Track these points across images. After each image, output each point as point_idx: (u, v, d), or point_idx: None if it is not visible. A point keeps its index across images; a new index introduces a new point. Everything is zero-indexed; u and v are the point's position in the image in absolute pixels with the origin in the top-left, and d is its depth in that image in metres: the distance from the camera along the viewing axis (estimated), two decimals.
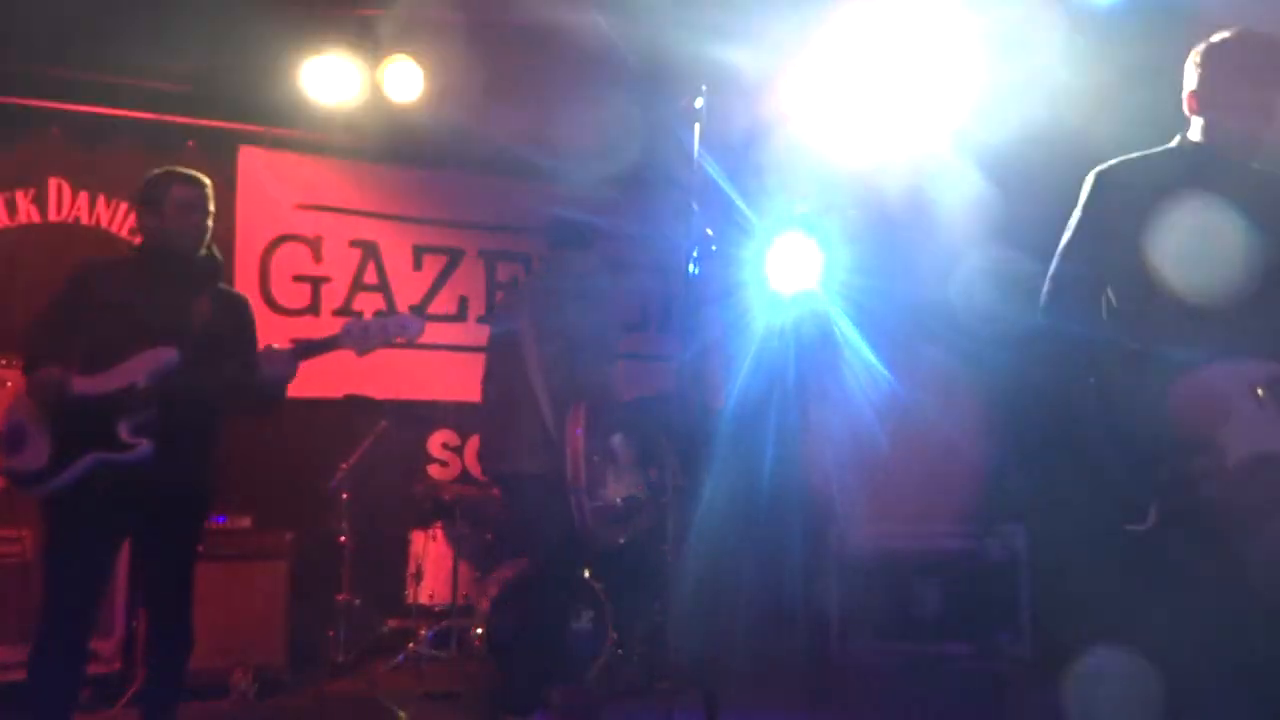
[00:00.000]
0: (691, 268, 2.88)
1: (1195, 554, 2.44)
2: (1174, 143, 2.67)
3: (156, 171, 3.35)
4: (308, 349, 3.29)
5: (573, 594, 4.57)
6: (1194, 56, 2.65)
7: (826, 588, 5.41)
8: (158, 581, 3.28)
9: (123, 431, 3.10)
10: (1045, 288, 2.73)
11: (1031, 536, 5.27)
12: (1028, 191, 4.54)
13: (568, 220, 4.14)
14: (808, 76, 5.18)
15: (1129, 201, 2.58)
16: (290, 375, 3.25)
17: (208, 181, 3.36)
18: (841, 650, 5.29)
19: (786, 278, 6.15)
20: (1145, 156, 2.67)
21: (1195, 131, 2.65)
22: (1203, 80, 2.62)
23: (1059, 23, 4.53)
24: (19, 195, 5.29)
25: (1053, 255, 2.72)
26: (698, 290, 2.95)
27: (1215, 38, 2.63)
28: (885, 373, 5.89)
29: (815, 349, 6.16)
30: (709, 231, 2.94)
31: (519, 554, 4.93)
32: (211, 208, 3.35)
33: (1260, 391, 2.41)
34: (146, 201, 3.30)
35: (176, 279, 3.29)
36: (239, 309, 3.46)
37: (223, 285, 3.47)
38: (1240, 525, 2.39)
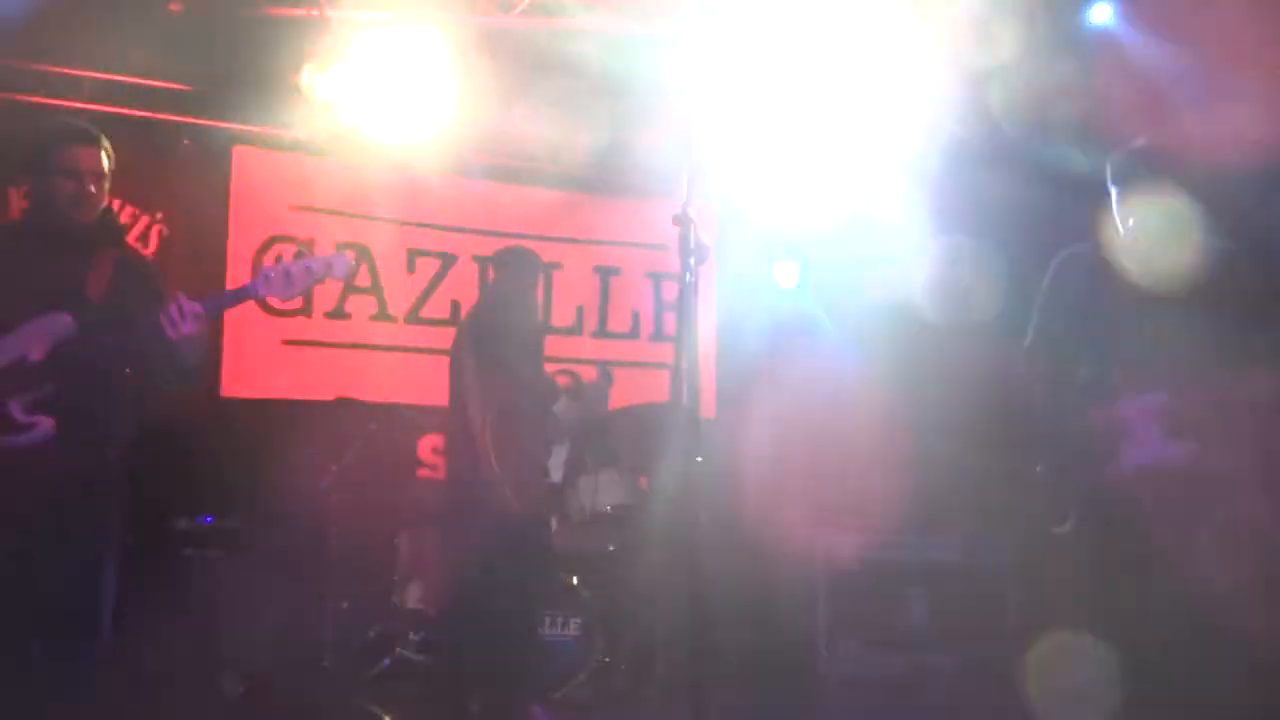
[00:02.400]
0: (687, 276, 2.87)
1: (1112, 548, 3.14)
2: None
3: (44, 128, 3.02)
4: (220, 302, 2.99)
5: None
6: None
7: (814, 598, 5.41)
8: (58, 585, 2.81)
9: (15, 410, 2.74)
10: (1026, 346, 3.44)
11: (1016, 548, 5.30)
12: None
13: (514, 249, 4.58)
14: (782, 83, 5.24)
15: (1074, 286, 3.33)
16: (203, 334, 2.90)
17: (101, 140, 3.01)
18: (828, 660, 5.29)
19: (778, 284, 6.18)
20: (1083, 250, 3.36)
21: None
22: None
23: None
24: (11, 192, 5.27)
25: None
26: (693, 298, 2.94)
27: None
28: (873, 380, 5.90)
29: (806, 355, 6.17)
30: (705, 239, 2.94)
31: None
32: (107, 168, 3.00)
33: (1152, 418, 3.12)
34: (35, 169, 2.96)
35: (67, 245, 2.95)
36: (144, 274, 3.11)
37: (125, 250, 3.16)
38: (1139, 519, 3.09)
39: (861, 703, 4.88)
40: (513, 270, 4.39)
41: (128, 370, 2.94)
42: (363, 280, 5.95)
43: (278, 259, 3.05)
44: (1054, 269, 3.41)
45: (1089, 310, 3.30)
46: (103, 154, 2.99)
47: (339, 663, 4.97)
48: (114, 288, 2.95)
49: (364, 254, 5.96)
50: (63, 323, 2.81)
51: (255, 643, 4.67)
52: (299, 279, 2.91)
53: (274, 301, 3.03)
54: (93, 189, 2.95)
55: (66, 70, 5.15)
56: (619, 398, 5.20)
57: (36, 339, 2.78)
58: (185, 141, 5.46)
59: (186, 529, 4.75)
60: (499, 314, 4.26)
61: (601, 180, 6.30)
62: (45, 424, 2.75)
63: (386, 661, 4.95)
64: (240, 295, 2.96)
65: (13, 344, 2.78)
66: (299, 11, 4.99)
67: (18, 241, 2.96)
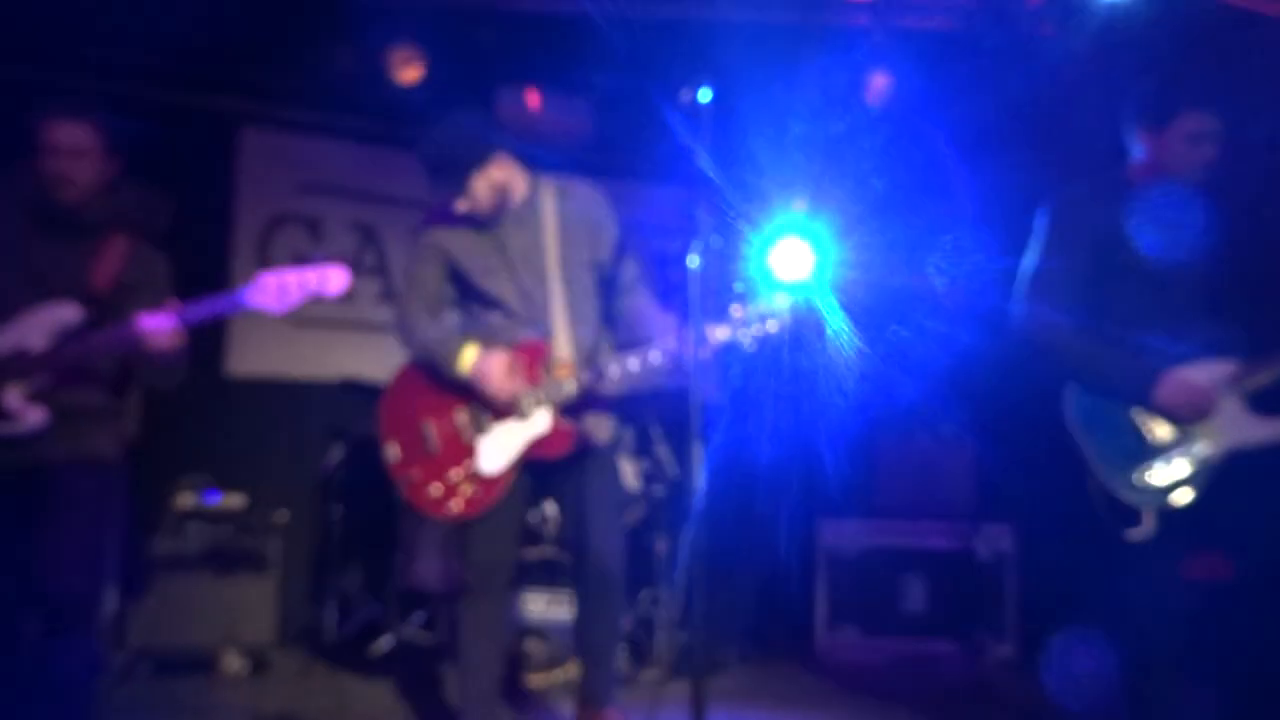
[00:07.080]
0: (693, 260, 2.88)
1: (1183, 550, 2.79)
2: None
3: (36, 103, 2.81)
4: (201, 311, 2.77)
5: None
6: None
7: (813, 582, 5.43)
8: (56, 579, 2.74)
9: (11, 400, 2.69)
10: (1025, 284, 3.04)
11: (1020, 536, 5.32)
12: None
13: None
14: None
15: (1090, 212, 2.95)
16: (182, 347, 2.78)
17: (91, 115, 2.82)
18: (826, 645, 5.32)
19: (782, 272, 6.15)
20: (1095, 178, 3.02)
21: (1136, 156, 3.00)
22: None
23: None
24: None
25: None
26: (697, 283, 2.95)
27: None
28: (878, 366, 5.90)
29: (810, 342, 6.16)
30: (709, 222, 2.94)
31: None
32: (95, 145, 2.80)
33: (1231, 388, 2.78)
34: (30, 146, 2.81)
35: (73, 227, 2.83)
36: (152, 263, 2.99)
37: (137, 239, 2.96)
38: (1227, 514, 2.78)
39: (858, 687, 4.90)
40: None
41: (127, 366, 2.86)
42: (370, 260, 5.96)
43: (271, 267, 2.89)
44: (1059, 197, 3.02)
45: (1094, 257, 2.92)
46: (89, 131, 2.80)
47: (341, 641, 5.01)
48: (122, 279, 2.86)
49: (370, 233, 5.97)
50: (68, 314, 2.75)
51: (258, 620, 4.69)
52: (293, 291, 2.82)
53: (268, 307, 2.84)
54: (72, 168, 2.78)
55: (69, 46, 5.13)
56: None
57: (38, 329, 2.73)
58: (189, 121, 5.45)
59: (191, 505, 4.76)
60: None
61: (609, 163, 6.28)
62: (37, 415, 2.70)
63: (388, 640, 4.98)
64: (230, 304, 2.80)
65: (17, 331, 2.73)
66: None
67: (25, 221, 2.84)
